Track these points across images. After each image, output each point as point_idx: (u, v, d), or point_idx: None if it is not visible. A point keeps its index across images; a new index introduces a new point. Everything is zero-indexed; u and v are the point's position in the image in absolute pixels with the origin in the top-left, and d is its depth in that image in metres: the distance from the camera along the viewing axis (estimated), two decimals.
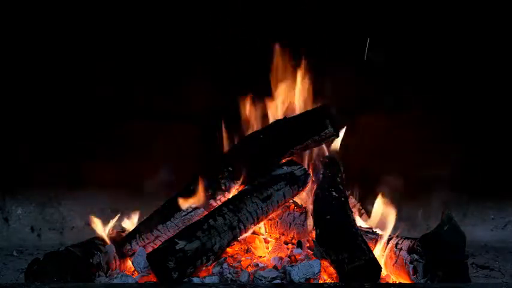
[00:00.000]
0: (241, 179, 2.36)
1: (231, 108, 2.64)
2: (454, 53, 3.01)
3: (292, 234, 2.37)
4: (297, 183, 2.32)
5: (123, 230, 2.41)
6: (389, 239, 2.20)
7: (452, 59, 3.02)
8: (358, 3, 2.96)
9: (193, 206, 2.32)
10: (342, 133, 2.47)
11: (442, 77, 3.05)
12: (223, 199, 2.33)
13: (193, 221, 2.20)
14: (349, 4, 2.96)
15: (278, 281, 2.00)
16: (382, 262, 2.11)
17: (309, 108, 2.52)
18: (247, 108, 2.61)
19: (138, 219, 2.45)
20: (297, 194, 2.36)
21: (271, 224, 2.42)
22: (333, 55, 2.85)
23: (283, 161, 2.40)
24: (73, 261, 2.05)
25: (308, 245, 2.30)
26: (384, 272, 2.10)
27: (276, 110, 2.57)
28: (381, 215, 2.36)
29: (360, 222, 2.43)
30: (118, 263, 2.26)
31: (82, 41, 2.99)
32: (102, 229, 2.31)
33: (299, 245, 2.30)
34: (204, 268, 2.06)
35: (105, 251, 2.21)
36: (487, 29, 2.99)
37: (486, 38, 3.00)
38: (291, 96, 2.58)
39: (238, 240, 2.24)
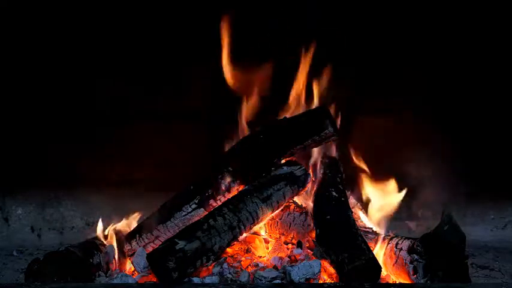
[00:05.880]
0: (241, 179, 2.36)
1: (231, 107, 2.65)
2: (456, 53, 3.02)
3: (292, 234, 2.37)
4: (297, 183, 2.32)
5: (123, 230, 2.41)
6: (389, 239, 2.20)
7: (452, 59, 3.02)
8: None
9: (193, 206, 2.32)
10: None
11: (443, 77, 3.05)
12: (223, 199, 2.33)
13: (193, 221, 2.20)
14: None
15: (278, 281, 2.01)
16: (381, 262, 2.11)
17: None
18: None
19: (138, 219, 2.45)
20: (297, 194, 2.36)
21: (271, 224, 2.42)
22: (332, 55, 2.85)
23: (283, 161, 2.40)
24: (73, 261, 2.05)
25: (308, 245, 2.30)
26: (384, 272, 2.10)
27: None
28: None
29: (359, 222, 2.43)
30: (118, 263, 2.26)
31: (81, 38, 2.98)
32: (102, 229, 2.31)
33: (299, 245, 2.31)
34: (204, 268, 2.06)
35: (105, 251, 2.21)
36: (487, 28, 2.99)
37: (486, 38, 3.00)
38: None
39: (238, 240, 2.24)
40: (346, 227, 2.11)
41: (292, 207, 2.40)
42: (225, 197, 2.34)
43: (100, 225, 2.34)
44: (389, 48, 3.01)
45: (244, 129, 2.59)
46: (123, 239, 2.32)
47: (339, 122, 2.47)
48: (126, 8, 2.95)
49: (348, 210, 2.24)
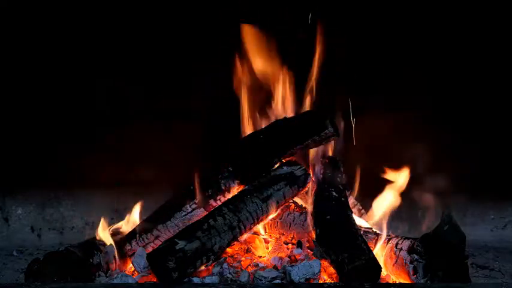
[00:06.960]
0: (241, 179, 2.36)
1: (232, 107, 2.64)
2: (456, 51, 3.02)
3: (292, 234, 2.37)
4: (297, 183, 2.32)
5: (123, 230, 2.41)
6: (389, 239, 2.20)
7: (453, 57, 3.02)
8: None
9: (193, 206, 2.32)
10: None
11: (443, 76, 3.05)
12: (223, 199, 2.33)
13: (193, 221, 2.20)
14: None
15: (278, 281, 2.01)
16: (382, 262, 2.11)
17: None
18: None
19: (138, 219, 2.45)
20: (297, 194, 2.36)
21: (271, 224, 2.42)
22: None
23: (284, 161, 2.40)
24: (73, 261, 2.05)
25: (308, 245, 2.30)
26: (384, 272, 2.10)
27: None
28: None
29: (359, 222, 2.43)
30: (118, 263, 2.26)
31: (81, 38, 2.98)
32: (103, 229, 2.31)
33: (299, 245, 2.31)
34: (204, 268, 2.06)
35: (105, 251, 2.21)
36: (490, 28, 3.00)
37: (488, 38, 3.00)
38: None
39: (238, 240, 2.24)
40: (346, 227, 2.11)
41: (292, 207, 2.40)
42: (225, 197, 2.34)
43: (100, 225, 2.33)
44: (389, 47, 3.02)
45: (244, 128, 2.60)
46: (123, 238, 2.32)
47: (338, 122, 2.46)
48: (126, 8, 2.95)
49: (348, 210, 2.24)
